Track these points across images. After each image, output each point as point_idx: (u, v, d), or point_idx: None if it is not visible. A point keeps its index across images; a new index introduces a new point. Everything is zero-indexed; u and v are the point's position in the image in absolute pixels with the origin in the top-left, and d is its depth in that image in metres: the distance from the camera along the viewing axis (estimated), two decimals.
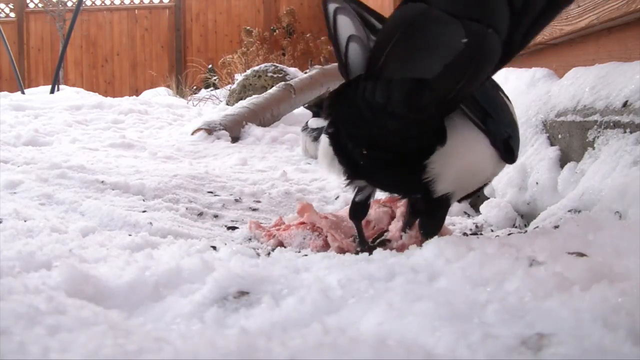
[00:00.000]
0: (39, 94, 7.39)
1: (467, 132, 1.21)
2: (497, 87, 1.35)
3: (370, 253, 1.22)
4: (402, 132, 1.15)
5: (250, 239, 1.72)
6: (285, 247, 1.59)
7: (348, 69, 1.14)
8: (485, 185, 1.41)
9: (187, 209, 2.07)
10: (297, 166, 3.35)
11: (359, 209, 1.43)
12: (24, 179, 2.18)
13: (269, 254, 1.49)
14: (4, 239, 1.29)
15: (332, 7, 1.13)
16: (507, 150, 1.27)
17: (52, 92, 7.52)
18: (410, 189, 1.29)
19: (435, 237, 1.29)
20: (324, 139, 1.27)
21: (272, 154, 3.84)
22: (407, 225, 1.46)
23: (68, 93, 7.43)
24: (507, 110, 1.31)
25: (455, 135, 1.19)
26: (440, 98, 1.08)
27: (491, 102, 1.25)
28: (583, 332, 0.68)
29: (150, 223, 1.71)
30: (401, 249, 1.43)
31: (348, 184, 1.34)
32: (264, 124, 4.83)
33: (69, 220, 1.72)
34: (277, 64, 6.62)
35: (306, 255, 1.44)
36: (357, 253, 1.37)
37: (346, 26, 1.12)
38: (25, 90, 7.98)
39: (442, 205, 1.29)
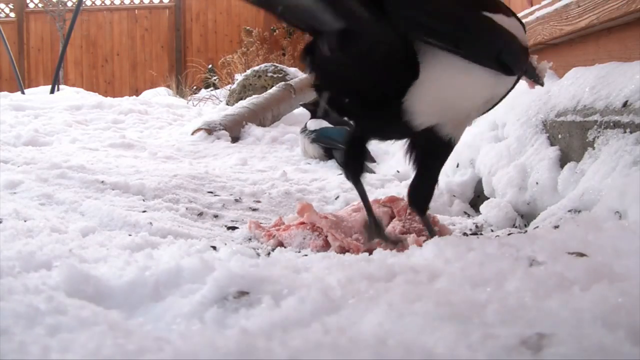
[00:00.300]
0: (39, 94, 7.38)
1: (441, 62, 1.19)
2: (478, 6, 1.28)
3: (395, 242, 1.23)
4: (369, 72, 1.19)
5: (250, 239, 1.72)
6: (285, 247, 1.59)
7: None
8: (495, 105, 1.37)
9: (187, 209, 2.07)
10: (297, 166, 3.35)
11: (352, 158, 1.40)
12: (24, 179, 2.18)
13: (269, 254, 1.49)
14: (4, 239, 1.28)
15: None
16: (503, 66, 1.25)
17: (52, 92, 7.51)
18: (397, 130, 1.30)
19: (436, 236, 1.29)
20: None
21: (272, 154, 3.84)
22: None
23: (68, 93, 7.43)
24: (492, 25, 1.25)
25: (429, 68, 1.19)
26: (372, 41, 1.12)
27: (463, 24, 1.21)
28: (583, 332, 0.68)
29: (150, 223, 1.71)
30: (401, 249, 1.43)
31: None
32: (264, 124, 4.83)
33: (69, 220, 1.72)
34: (277, 64, 6.61)
35: (306, 255, 1.44)
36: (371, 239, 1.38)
37: None
38: (25, 90, 7.97)
39: (439, 148, 1.28)
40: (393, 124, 1.27)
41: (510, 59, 1.26)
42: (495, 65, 1.23)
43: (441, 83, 1.20)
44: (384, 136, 1.39)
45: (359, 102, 1.25)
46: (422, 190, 1.33)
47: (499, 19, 1.26)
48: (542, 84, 1.47)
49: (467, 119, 1.33)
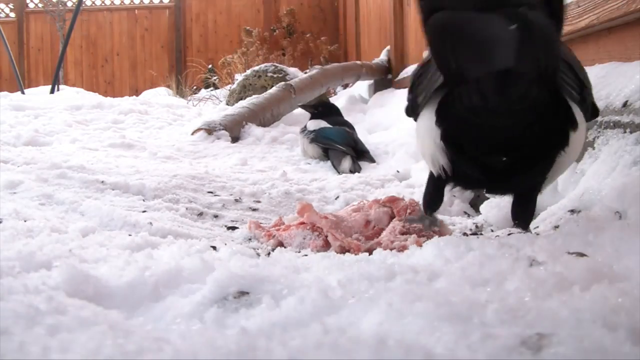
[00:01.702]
0: (39, 94, 7.38)
1: (578, 113, 1.20)
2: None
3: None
4: (528, 125, 1.14)
5: (250, 239, 1.72)
6: (285, 247, 1.59)
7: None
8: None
9: (187, 209, 2.07)
10: (297, 166, 3.35)
11: (438, 199, 1.43)
12: (24, 179, 2.18)
13: (269, 254, 1.49)
14: (4, 239, 1.28)
15: None
16: (594, 111, 1.30)
17: (52, 92, 7.50)
18: (531, 185, 1.29)
19: (435, 237, 1.30)
20: (439, 152, 1.24)
21: (272, 154, 3.84)
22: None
23: (68, 93, 7.42)
24: (585, 73, 1.30)
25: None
26: (531, 81, 1.06)
27: (581, 70, 1.23)
28: (583, 332, 0.68)
29: (150, 223, 1.71)
30: (401, 249, 1.43)
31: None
32: (264, 124, 4.82)
33: (69, 220, 1.72)
34: (277, 64, 6.60)
35: (306, 255, 1.44)
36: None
37: None
38: (25, 90, 7.97)
39: (535, 190, 1.29)
40: (533, 180, 1.26)
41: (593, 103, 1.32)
42: (590, 110, 1.27)
43: (580, 136, 1.22)
44: (509, 192, 1.39)
45: (522, 157, 1.19)
46: (524, 211, 1.37)
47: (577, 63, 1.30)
48: None
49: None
